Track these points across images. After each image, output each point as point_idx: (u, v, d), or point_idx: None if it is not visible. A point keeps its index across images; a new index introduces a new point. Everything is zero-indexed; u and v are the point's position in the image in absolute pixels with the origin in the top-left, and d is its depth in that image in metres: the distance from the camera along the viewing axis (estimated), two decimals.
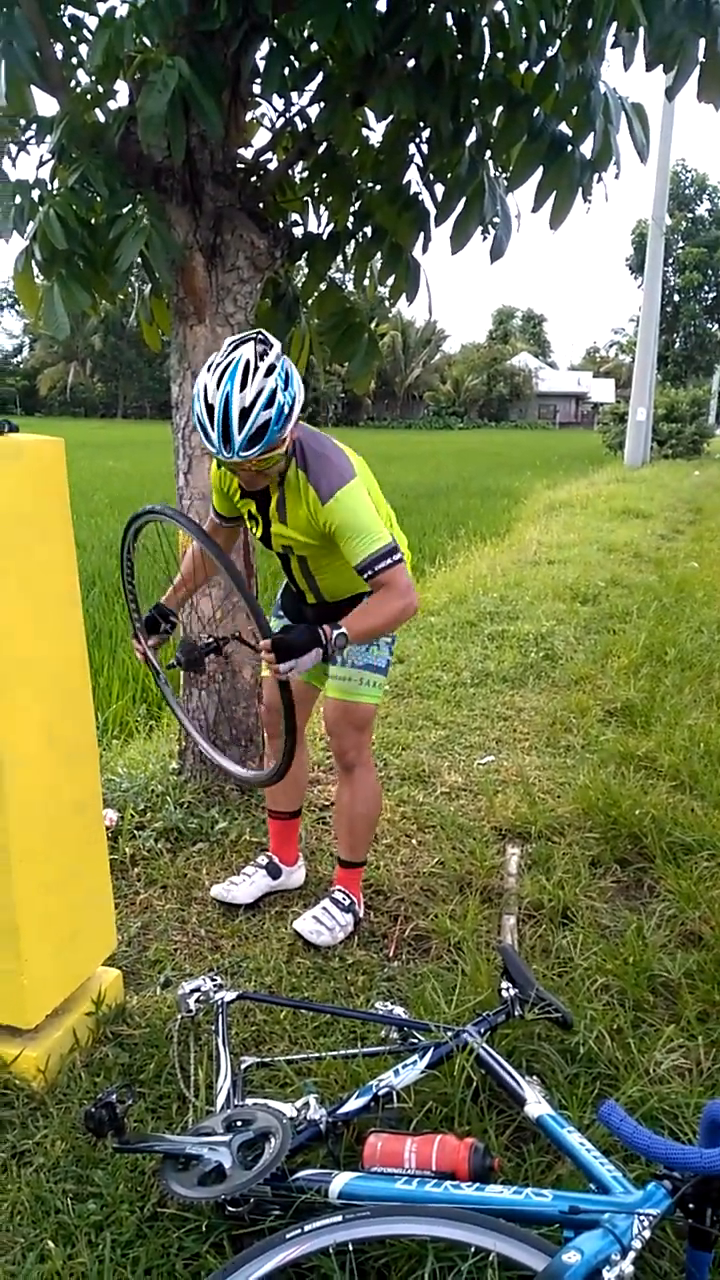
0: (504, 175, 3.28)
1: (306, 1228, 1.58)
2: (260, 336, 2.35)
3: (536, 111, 3.03)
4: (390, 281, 3.51)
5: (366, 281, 3.70)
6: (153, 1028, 2.40)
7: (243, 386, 2.25)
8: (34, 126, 3.15)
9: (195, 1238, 1.78)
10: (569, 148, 3.05)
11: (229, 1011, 2.32)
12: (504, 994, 2.30)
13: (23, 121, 3.16)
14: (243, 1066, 2.18)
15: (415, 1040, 2.18)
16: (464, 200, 3.20)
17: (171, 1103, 2.16)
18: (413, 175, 3.39)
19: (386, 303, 3.89)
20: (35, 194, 3.01)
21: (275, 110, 3.43)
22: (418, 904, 3.08)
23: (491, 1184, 1.71)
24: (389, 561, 2.45)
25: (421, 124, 3.25)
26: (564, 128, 3.07)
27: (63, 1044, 2.28)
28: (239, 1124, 1.88)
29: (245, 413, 2.24)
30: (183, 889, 3.13)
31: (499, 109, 3.07)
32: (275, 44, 2.98)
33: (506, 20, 2.68)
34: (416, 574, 8.79)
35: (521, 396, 75.37)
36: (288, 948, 2.81)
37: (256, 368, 2.27)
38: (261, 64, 3.01)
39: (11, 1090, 2.16)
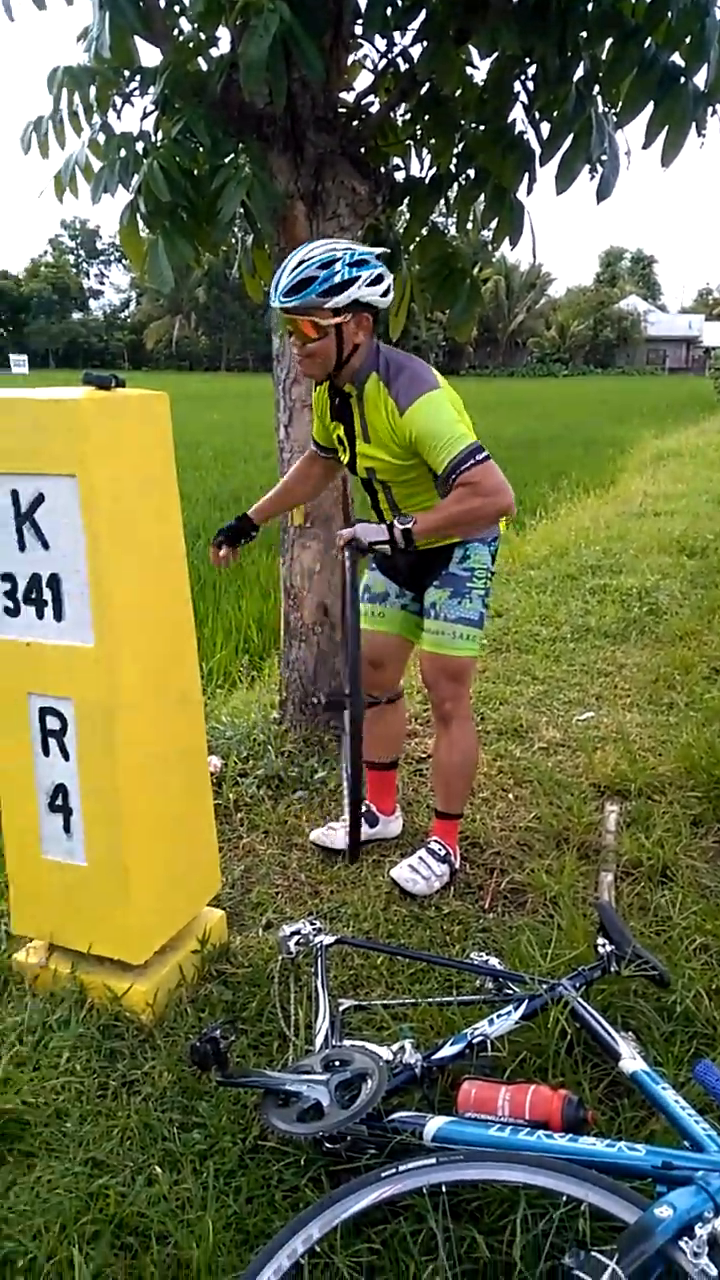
0: (613, 111, 3.14)
1: (401, 1168, 1.62)
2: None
3: (648, 43, 2.88)
4: (493, 225, 3.42)
5: (469, 225, 3.62)
6: (255, 968, 2.48)
7: (314, 247, 2.38)
8: (138, 77, 3.15)
9: (294, 1171, 1.85)
10: (682, 80, 2.90)
11: (328, 955, 2.38)
12: (600, 950, 2.30)
13: (127, 73, 3.16)
14: (341, 1009, 2.23)
15: (510, 991, 2.20)
16: (571, 138, 3.08)
17: (272, 1040, 2.23)
18: (517, 114, 3.28)
19: (489, 247, 3.79)
20: (139, 146, 3.03)
21: (377, 51, 3.36)
22: (514, 858, 3.08)
23: (584, 1136, 1.72)
24: (474, 461, 2.39)
25: (527, 60, 3.13)
26: (676, 59, 2.91)
27: (170, 980, 2.37)
28: (337, 1064, 1.93)
29: (300, 262, 2.35)
30: (283, 835, 3.21)
31: (608, 41, 2.93)
32: None
33: None
34: (517, 526, 8.67)
35: (629, 341, 72.87)
36: (385, 895, 2.85)
37: (336, 242, 2.39)
38: (363, 4, 2.95)
39: (122, 1022, 2.26)
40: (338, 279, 2.35)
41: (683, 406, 26.20)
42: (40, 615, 2.15)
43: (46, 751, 2.25)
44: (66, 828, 2.28)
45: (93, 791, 2.21)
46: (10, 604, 2.18)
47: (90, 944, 2.32)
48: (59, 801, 2.27)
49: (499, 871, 3.00)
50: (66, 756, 2.23)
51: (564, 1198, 1.59)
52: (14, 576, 2.16)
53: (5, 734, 2.30)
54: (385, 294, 2.45)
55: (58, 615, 2.13)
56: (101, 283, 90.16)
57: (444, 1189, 1.65)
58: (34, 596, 2.14)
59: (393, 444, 2.53)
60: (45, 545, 2.09)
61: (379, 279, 2.41)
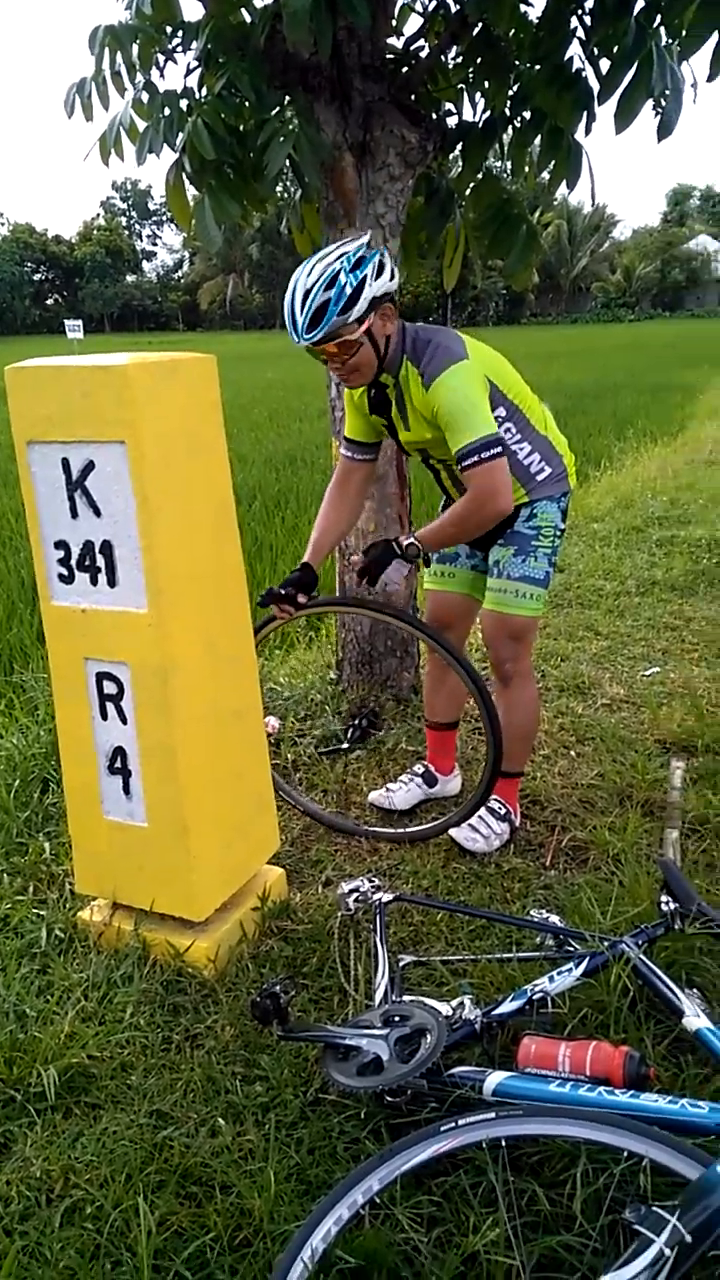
0: (675, 43, 3.00)
1: (461, 1121, 1.63)
2: (356, 236, 2.38)
3: None
4: (550, 168, 3.31)
5: (525, 170, 3.51)
6: (314, 924, 2.51)
7: (310, 272, 2.30)
8: (180, 33, 3.10)
9: (355, 1124, 1.88)
10: None
11: (387, 912, 2.39)
12: (663, 907, 2.27)
13: (169, 29, 3.11)
14: (400, 965, 2.26)
15: (571, 948, 2.19)
16: (631, 74, 2.95)
17: (332, 995, 2.26)
18: (574, 51, 3.15)
19: (548, 191, 3.68)
20: (184, 104, 2.99)
21: None
22: (575, 815, 3.06)
23: (646, 1092, 1.71)
24: (482, 456, 2.38)
25: None
26: None
27: (231, 936, 2.41)
28: (396, 1019, 1.95)
29: (307, 294, 2.30)
30: (342, 794, 3.23)
31: None
32: None
33: None
34: (580, 478, 8.51)
35: (699, 282, 70.62)
36: (444, 853, 2.85)
37: (328, 254, 2.30)
38: None
39: (185, 977, 2.31)
40: (349, 290, 2.31)
41: None
42: (94, 582, 2.17)
43: (105, 715, 2.29)
44: (126, 789, 2.32)
45: (150, 753, 2.24)
46: (65, 571, 2.21)
47: (152, 902, 2.36)
48: (118, 764, 2.31)
49: (560, 829, 2.98)
50: (124, 720, 2.26)
51: (624, 1153, 1.59)
52: (67, 544, 2.18)
53: (64, 699, 2.34)
54: (392, 277, 2.41)
55: (111, 581, 2.15)
56: (154, 244, 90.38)
57: (504, 1143, 1.66)
58: (87, 563, 2.16)
59: (429, 422, 2.51)
60: (97, 512, 2.11)
61: (381, 267, 2.37)
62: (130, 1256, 1.63)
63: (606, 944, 2.13)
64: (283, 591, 2.75)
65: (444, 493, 2.83)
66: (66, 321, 26.61)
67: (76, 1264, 1.62)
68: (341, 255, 2.32)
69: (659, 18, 2.90)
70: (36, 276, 79.01)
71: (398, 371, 2.51)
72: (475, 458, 2.39)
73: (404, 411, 2.59)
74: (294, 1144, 1.84)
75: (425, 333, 2.50)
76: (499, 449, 2.40)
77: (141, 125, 3.15)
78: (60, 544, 2.19)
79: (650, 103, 2.97)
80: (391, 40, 3.27)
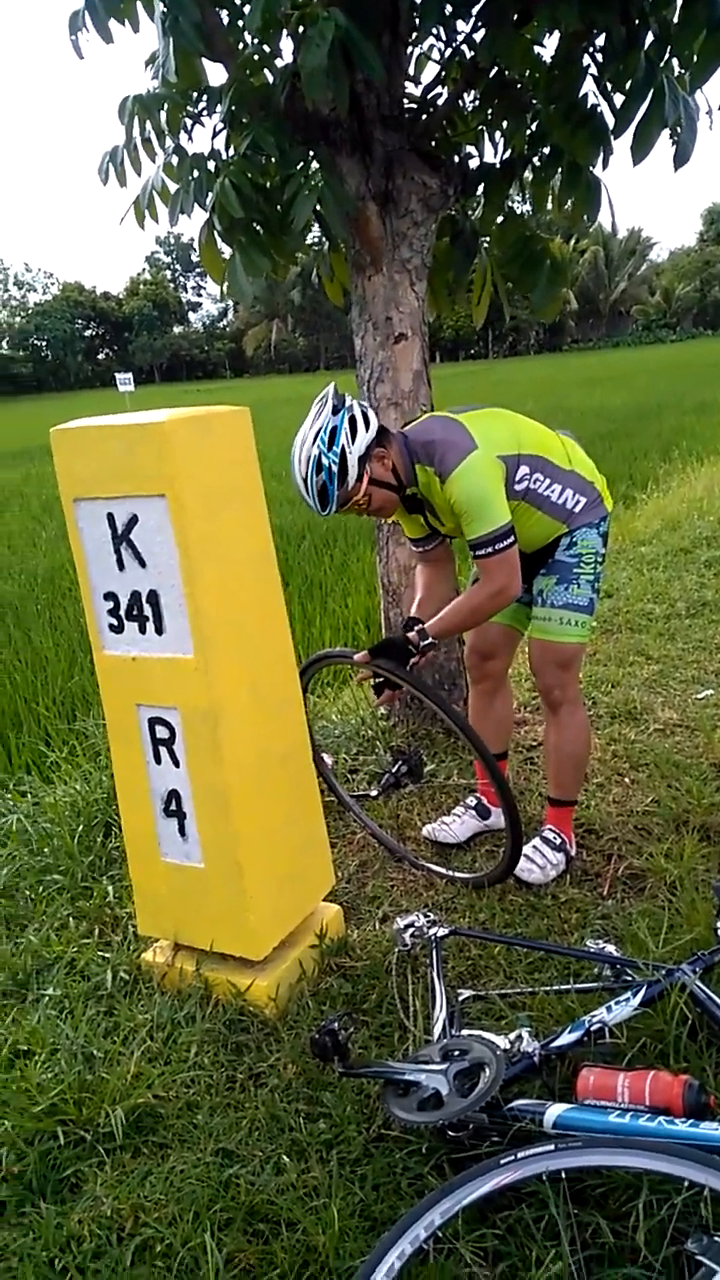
0: (686, 74, 3.05)
1: (521, 1154, 1.63)
2: (324, 394, 2.51)
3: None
4: (570, 203, 3.37)
5: (547, 206, 3.57)
6: (373, 960, 2.52)
7: (299, 460, 2.48)
8: (205, 98, 3.23)
9: (417, 1159, 1.88)
10: None
11: (443, 946, 2.40)
12: None
13: (194, 94, 3.24)
14: (459, 999, 2.26)
15: (629, 977, 2.17)
16: (645, 106, 3.00)
17: (392, 1031, 2.27)
18: (588, 87, 3.22)
19: (570, 224, 3.73)
20: (211, 165, 3.10)
21: (440, 42, 3.35)
22: (631, 842, 3.04)
23: (707, 1121, 1.70)
24: (496, 546, 2.50)
25: (593, 32, 3.07)
26: None
27: (291, 974, 2.44)
28: (455, 1053, 1.96)
29: (305, 482, 2.49)
30: (396, 829, 3.24)
31: (676, 2, 2.85)
32: None
33: None
34: (625, 501, 8.48)
35: None
36: (500, 886, 2.85)
37: (306, 437, 2.46)
38: None
39: (247, 1016, 2.34)
40: (335, 468, 2.46)
41: None
42: (143, 630, 2.24)
43: (158, 759, 2.35)
44: (182, 831, 2.37)
45: (203, 795, 2.29)
46: (115, 621, 2.29)
47: (212, 942, 2.40)
48: (173, 806, 2.37)
49: (616, 857, 2.97)
50: (176, 763, 2.32)
51: (686, 1183, 1.58)
52: (116, 595, 2.26)
53: (119, 744, 2.41)
54: (368, 425, 2.52)
55: (159, 629, 2.22)
56: (199, 294, 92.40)
57: (564, 1175, 1.65)
58: (135, 613, 2.24)
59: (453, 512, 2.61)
60: (142, 563, 2.18)
61: (353, 426, 2.48)
62: None
63: (663, 972, 2.12)
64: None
65: None
66: (117, 375, 27.29)
67: None
68: (317, 437, 2.46)
69: (668, 50, 2.95)
70: (87, 333, 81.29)
71: (415, 479, 2.63)
72: (490, 548, 2.51)
73: (431, 510, 2.72)
74: (358, 1180, 1.86)
75: (425, 433, 2.59)
76: (511, 539, 2.52)
77: (173, 187, 3.28)
78: (109, 595, 2.27)
79: (666, 132, 3.01)
80: (409, 88, 3.36)
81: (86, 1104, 2.07)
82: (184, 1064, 2.19)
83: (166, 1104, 2.09)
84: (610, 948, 2.26)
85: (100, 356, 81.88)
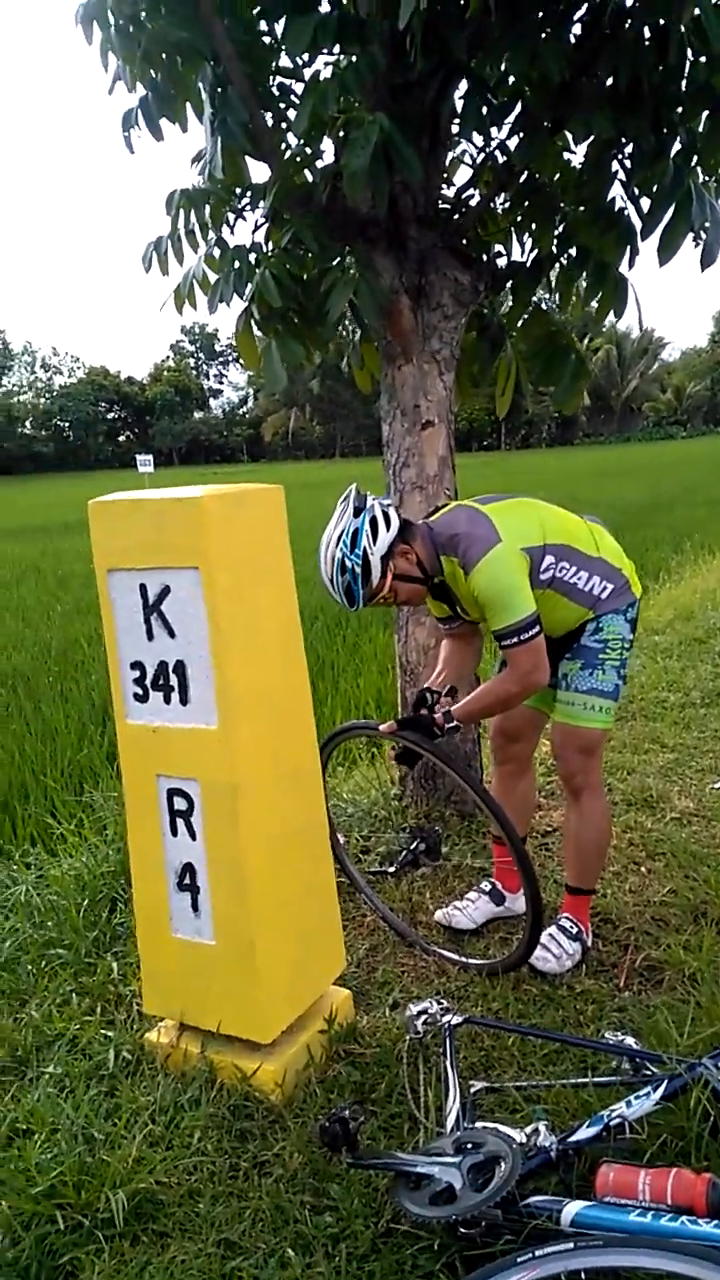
0: (713, 180, 3.18)
1: (538, 1253, 1.57)
2: (347, 495, 2.60)
3: None
4: (597, 301, 3.49)
5: (572, 303, 3.69)
6: (383, 1048, 2.46)
7: (324, 561, 2.58)
8: (249, 194, 3.38)
9: (428, 1256, 1.81)
10: None
11: (456, 1035, 2.35)
12: None
13: (238, 190, 3.39)
14: (472, 1090, 2.20)
15: (648, 1071, 2.12)
16: (671, 211, 3.13)
17: (402, 1122, 2.20)
18: (616, 191, 3.37)
19: (593, 323, 3.86)
20: (252, 257, 3.23)
21: (475, 147, 3.51)
22: (649, 933, 2.98)
23: None
24: (521, 637, 2.54)
25: (623, 140, 3.22)
26: None
27: (298, 1060, 2.38)
28: (469, 1146, 1.90)
29: (333, 583, 2.60)
30: (408, 912, 3.19)
31: (703, 114, 2.99)
32: (471, 84, 3.05)
33: (706, 24, 2.63)
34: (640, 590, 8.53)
35: None
36: (515, 975, 2.79)
37: (330, 539, 2.57)
38: (459, 104, 3.10)
39: (252, 1102, 2.28)
40: (358, 569, 2.56)
41: None
42: (167, 700, 2.26)
43: (175, 831, 2.34)
44: (195, 906, 2.35)
45: (219, 869, 2.27)
46: (140, 690, 2.30)
47: (219, 1023, 2.35)
48: (187, 880, 2.34)
49: (633, 948, 2.91)
50: (193, 836, 2.30)
51: None
52: (143, 664, 2.27)
53: (136, 814, 2.40)
54: (389, 525, 2.59)
55: (183, 699, 2.23)
56: (220, 382, 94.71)
57: (583, 1275, 1.59)
58: (161, 682, 2.25)
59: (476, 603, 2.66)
60: (171, 634, 2.21)
61: (374, 527, 2.56)
62: None
63: (684, 1066, 2.06)
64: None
65: None
66: (138, 456, 27.90)
67: None
68: (340, 539, 2.55)
69: (695, 158, 3.09)
70: (110, 415, 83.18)
71: (442, 569, 2.69)
72: (515, 639, 2.54)
73: (455, 600, 2.77)
74: (365, 1277, 1.79)
75: (449, 526, 2.65)
76: (536, 629, 2.55)
77: (213, 277, 3.41)
78: (136, 664, 2.28)
79: (691, 236, 3.13)
80: (444, 190, 3.51)
81: (86, 1187, 2.00)
82: (187, 1149, 2.13)
83: (168, 1190, 2.02)
84: (630, 1040, 2.21)
85: (121, 438, 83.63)
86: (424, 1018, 2.41)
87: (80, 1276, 1.84)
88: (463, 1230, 1.79)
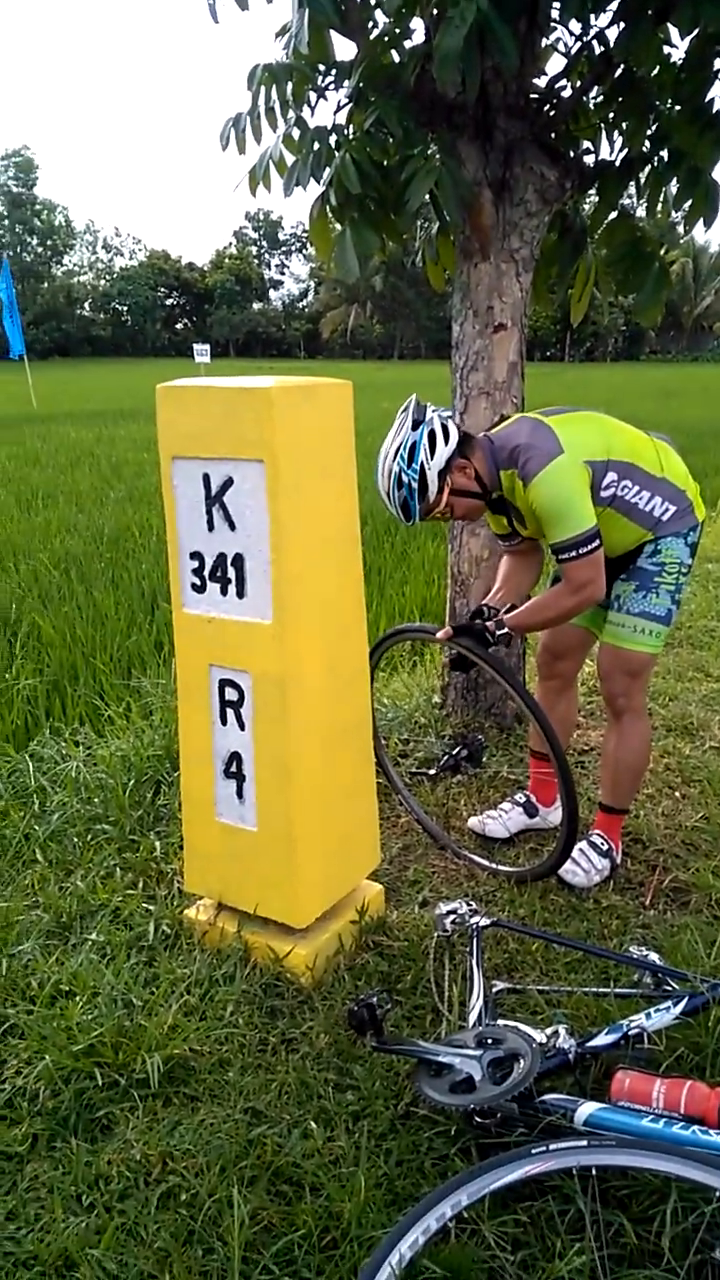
0: None
1: (553, 1146, 1.63)
2: (406, 406, 2.55)
3: None
4: (686, 207, 3.32)
5: (660, 208, 3.52)
6: (410, 942, 2.54)
7: (382, 475, 2.53)
8: (333, 72, 3.23)
9: (444, 1140, 1.90)
10: None
11: (483, 936, 2.41)
12: None
13: (322, 68, 3.25)
14: (495, 990, 2.27)
15: (669, 987, 2.17)
16: None
17: (426, 1014, 2.29)
18: (715, 92, 3.18)
19: (678, 229, 3.69)
20: (332, 140, 3.11)
21: (571, 35, 3.31)
22: (678, 856, 3.02)
23: None
24: (581, 551, 2.50)
25: None
26: None
27: (329, 946, 2.46)
28: (490, 1041, 1.97)
29: (389, 496, 2.59)
30: (442, 817, 3.25)
31: None
32: None
33: None
34: None
35: None
36: (542, 884, 2.85)
37: (387, 453, 2.53)
38: None
39: (283, 982, 2.37)
40: (415, 484, 2.52)
41: None
42: (224, 592, 2.27)
43: (224, 721, 2.38)
44: (239, 793, 2.40)
45: (265, 760, 2.32)
46: (197, 580, 2.31)
47: (256, 905, 2.43)
48: (233, 768, 2.40)
49: (662, 869, 2.95)
50: (242, 726, 2.34)
51: (716, 1193, 1.57)
52: (202, 555, 2.28)
53: (188, 702, 2.44)
54: (448, 439, 2.54)
55: (240, 593, 2.24)
56: (281, 273, 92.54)
57: (594, 1172, 1.66)
58: (219, 574, 2.26)
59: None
60: (232, 526, 2.21)
61: (432, 438, 2.51)
62: (222, 1245, 1.68)
63: (707, 985, 2.11)
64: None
65: None
66: (195, 345, 27.54)
67: (171, 1246, 1.68)
68: (398, 453, 2.52)
69: None
70: (169, 301, 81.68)
71: (500, 484, 2.64)
72: (574, 552, 2.51)
73: (517, 514, 2.72)
74: (383, 1154, 1.87)
75: (510, 438, 2.59)
76: (596, 543, 2.51)
77: (290, 159, 3.29)
78: (195, 555, 2.29)
79: None
80: (535, 80, 3.33)
81: (123, 1049, 2.11)
82: (219, 1021, 2.22)
83: (200, 1058, 2.12)
84: (654, 956, 2.26)
85: (179, 326, 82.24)
86: (452, 917, 2.48)
87: (115, 1130, 1.95)
88: (479, 1120, 1.86)
